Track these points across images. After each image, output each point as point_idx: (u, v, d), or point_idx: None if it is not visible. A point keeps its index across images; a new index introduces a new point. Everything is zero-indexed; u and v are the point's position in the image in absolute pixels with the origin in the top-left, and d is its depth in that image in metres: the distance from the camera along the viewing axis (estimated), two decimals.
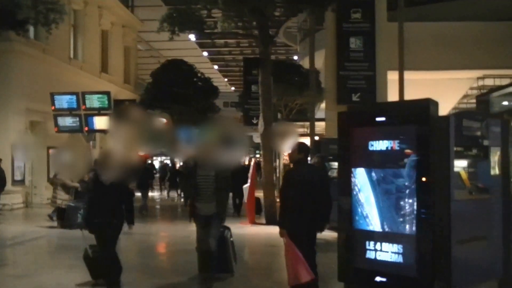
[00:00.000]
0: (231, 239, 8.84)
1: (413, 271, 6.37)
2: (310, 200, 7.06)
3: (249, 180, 16.39)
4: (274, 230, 13.81)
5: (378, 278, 6.66)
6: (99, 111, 20.31)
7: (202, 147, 8.69)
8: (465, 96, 26.44)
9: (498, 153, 7.26)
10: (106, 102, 20.32)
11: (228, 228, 8.89)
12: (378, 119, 6.82)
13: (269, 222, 15.19)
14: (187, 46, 44.54)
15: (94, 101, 20.43)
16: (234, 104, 38.24)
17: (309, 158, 8.20)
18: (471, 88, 24.78)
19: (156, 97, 30.92)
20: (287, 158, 23.60)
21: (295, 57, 39.30)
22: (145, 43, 44.28)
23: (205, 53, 51.30)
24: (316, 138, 18.12)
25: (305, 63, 24.44)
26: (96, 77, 29.75)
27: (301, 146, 7.51)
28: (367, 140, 6.81)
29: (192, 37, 36.22)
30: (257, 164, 19.23)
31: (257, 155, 36.29)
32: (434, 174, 6.27)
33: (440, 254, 6.27)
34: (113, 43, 33.25)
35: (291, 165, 7.73)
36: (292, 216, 7.05)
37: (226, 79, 64.49)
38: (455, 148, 6.46)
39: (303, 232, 7.09)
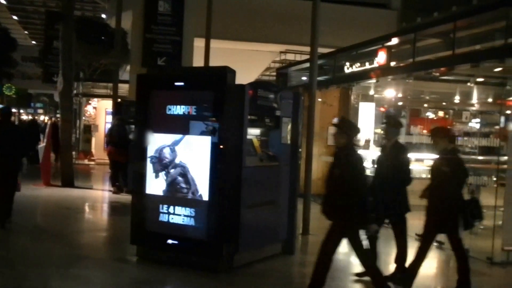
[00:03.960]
0: None
1: (204, 234, 6.55)
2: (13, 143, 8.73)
3: (45, 140, 15.49)
4: (70, 192, 13.50)
5: (170, 241, 6.74)
6: None
7: None
8: (268, 69, 27.65)
9: (290, 123, 7.70)
10: None
11: None
12: (176, 83, 6.83)
13: (65, 184, 14.51)
14: None
15: None
16: (34, 59, 35.93)
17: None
18: (274, 62, 25.95)
19: None
20: (88, 118, 23.05)
21: (104, 16, 37.79)
22: None
23: (3, 1, 47.25)
24: (119, 100, 17.69)
25: (113, 23, 23.63)
26: None
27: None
28: (165, 104, 6.78)
29: None
30: (55, 124, 18.21)
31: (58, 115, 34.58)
32: (228, 140, 6.45)
33: (230, 218, 6.51)
34: None
35: None
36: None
37: (26, 32, 60.14)
38: (249, 116, 6.71)
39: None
